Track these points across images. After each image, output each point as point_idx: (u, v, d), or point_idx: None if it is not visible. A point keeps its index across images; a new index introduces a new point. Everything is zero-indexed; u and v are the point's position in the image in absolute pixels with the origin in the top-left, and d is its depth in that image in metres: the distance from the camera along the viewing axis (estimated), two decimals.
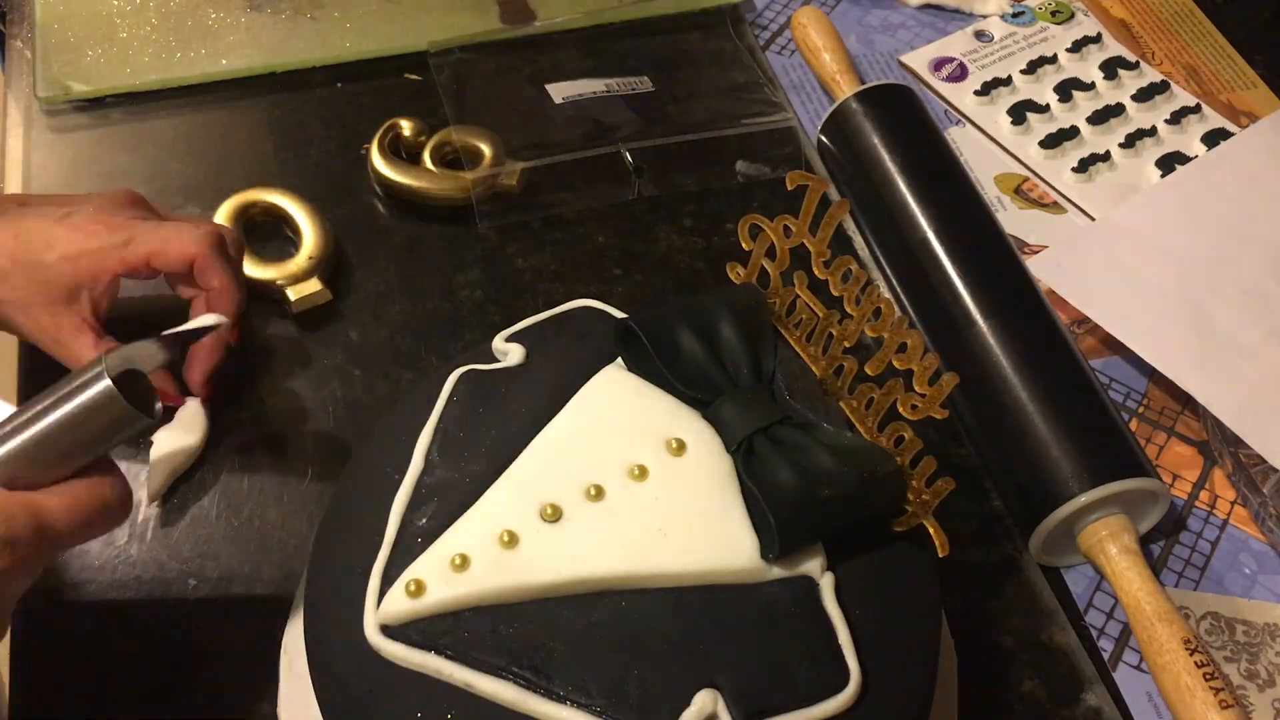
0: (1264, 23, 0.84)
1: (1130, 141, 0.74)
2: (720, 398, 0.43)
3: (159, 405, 0.41)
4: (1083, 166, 0.73)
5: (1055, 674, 0.53)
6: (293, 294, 0.61)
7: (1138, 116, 0.77)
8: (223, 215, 0.63)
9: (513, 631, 0.38)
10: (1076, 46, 0.80)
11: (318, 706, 0.40)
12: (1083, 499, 0.54)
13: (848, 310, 0.44)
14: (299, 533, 0.54)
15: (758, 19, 0.82)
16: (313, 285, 0.62)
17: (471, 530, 0.40)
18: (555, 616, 0.39)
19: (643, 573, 0.39)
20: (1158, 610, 0.52)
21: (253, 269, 0.61)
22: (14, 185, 0.67)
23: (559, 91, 0.73)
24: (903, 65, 0.80)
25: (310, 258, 0.62)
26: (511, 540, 0.40)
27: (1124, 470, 0.54)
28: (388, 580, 0.39)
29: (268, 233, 0.65)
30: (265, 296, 0.61)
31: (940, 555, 0.41)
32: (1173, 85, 0.78)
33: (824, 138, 0.72)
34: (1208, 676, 0.50)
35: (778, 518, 0.39)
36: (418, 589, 0.38)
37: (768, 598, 0.40)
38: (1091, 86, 0.78)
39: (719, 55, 0.78)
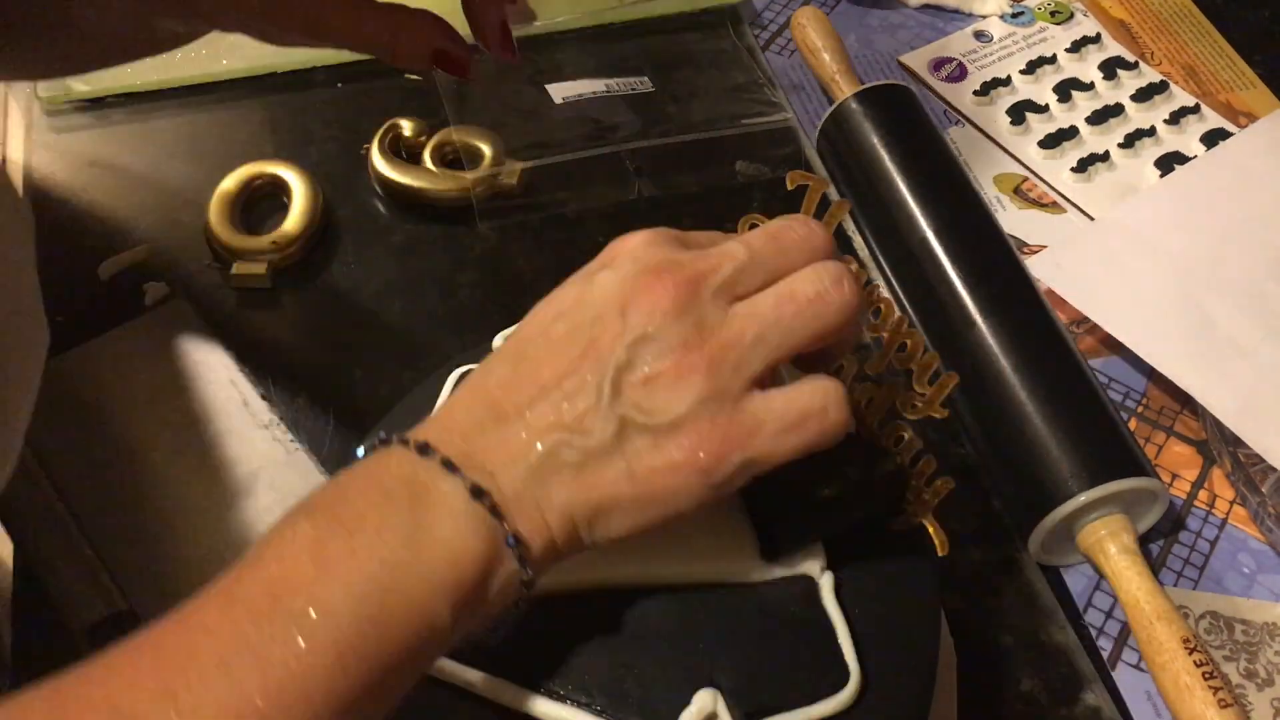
0: (1263, 22, 0.85)
1: (1129, 141, 0.75)
2: None
3: None
4: (1082, 166, 0.73)
5: (1054, 673, 0.53)
6: (234, 269, 0.62)
7: (1137, 116, 0.77)
8: (232, 180, 0.66)
9: (512, 631, 0.38)
10: (1076, 47, 0.80)
11: None
12: (1082, 498, 0.54)
13: None
14: None
15: (757, 19, 0.82)
16: (257, 268, 0.62)
17: None
18: (555, 616, 0.39)
19: (643, 573, 0.39)
20: (1157, 609, 0.52)
21: (236, 240, 0.63)
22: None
23: (559, 91, 0.73)
24: (902, 65, 0.80)
25: (274, 242, 0.63)
26: None
27: (1123, 470, 0.54)
28: None
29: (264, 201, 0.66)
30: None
31: (940, 555, 0.42)
32: (1172, 85, 0.78)
33: (823, 138, 0.72)
34: (1206, 676, 0.50)
35: (778, 517, 0.39)
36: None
37: (768, 598, 0.40)
38: (1090, 87, 0.78)
39: (719, 55, 0.78)
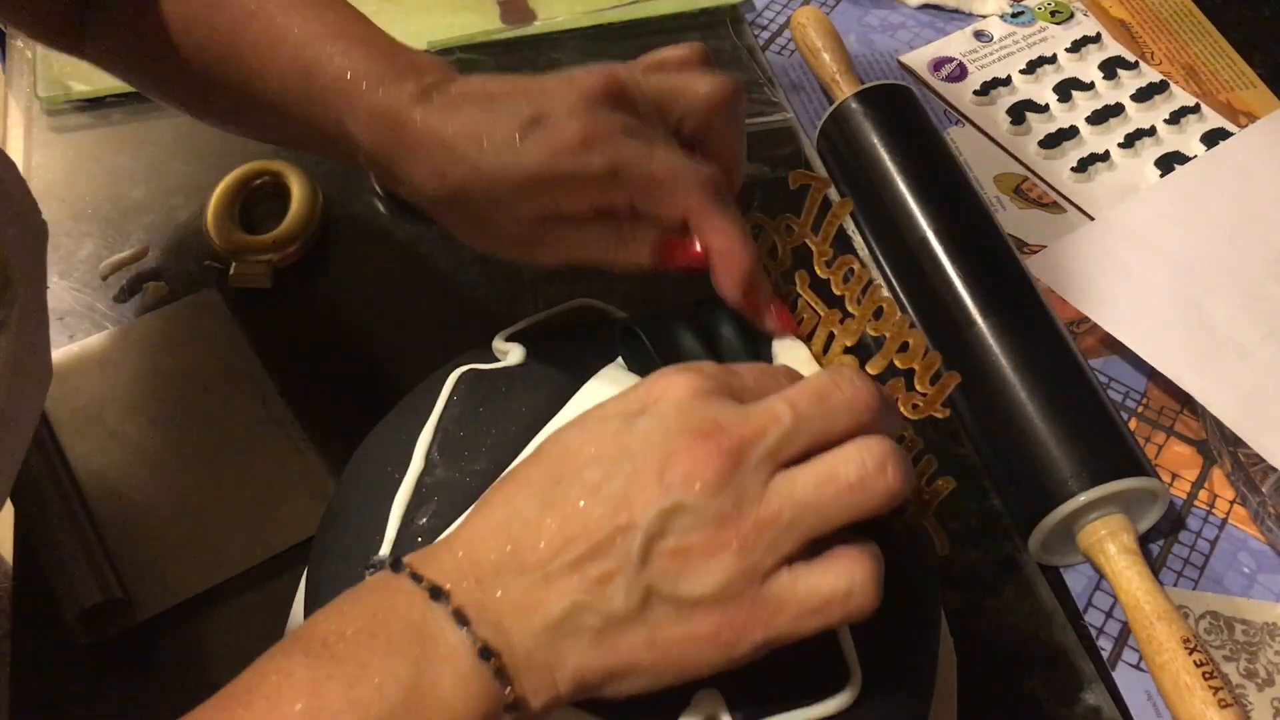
0: (1263, 22, 0.85)
1: (1129, 141, 0.75)
2: None
3: None
4: (1082, 166, 0.73)
5: (1055, 673, 0.53)
6: (234, 269, 0.62)
7: (1137, 116, 0.77)
8: (231, 179, 0.65)
9: None
10: (1076, 46, 0.80)
11: None
12: (1082, 498, 0.54)
13: (849, 310, 0.44)
14: (300, 531, 0.54)
15: (757, 19, 0.82)
16: (256, 268, 0.62)
17: None
18: None
19: None
20: (1157, 609, 0.52)
21: (235, 239, 0.63)
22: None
23: None
24: (902, 65, 0.80)
25: (274, 241, 0.63)
26: None
27: (1123, 470, 0.54)
28: None
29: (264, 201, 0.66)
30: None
31: (940, 554, 0.41)
32: (1172, 85, 0.78)
33: (824, 138, 0.72)
34: (1207, 675, 0.50)
35: None
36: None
37: None
38: (1091, 86, 0.78)
39: (718, 55, 0.78)
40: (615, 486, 0.33)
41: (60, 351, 0.59)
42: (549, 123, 0.42)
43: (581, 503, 0.33)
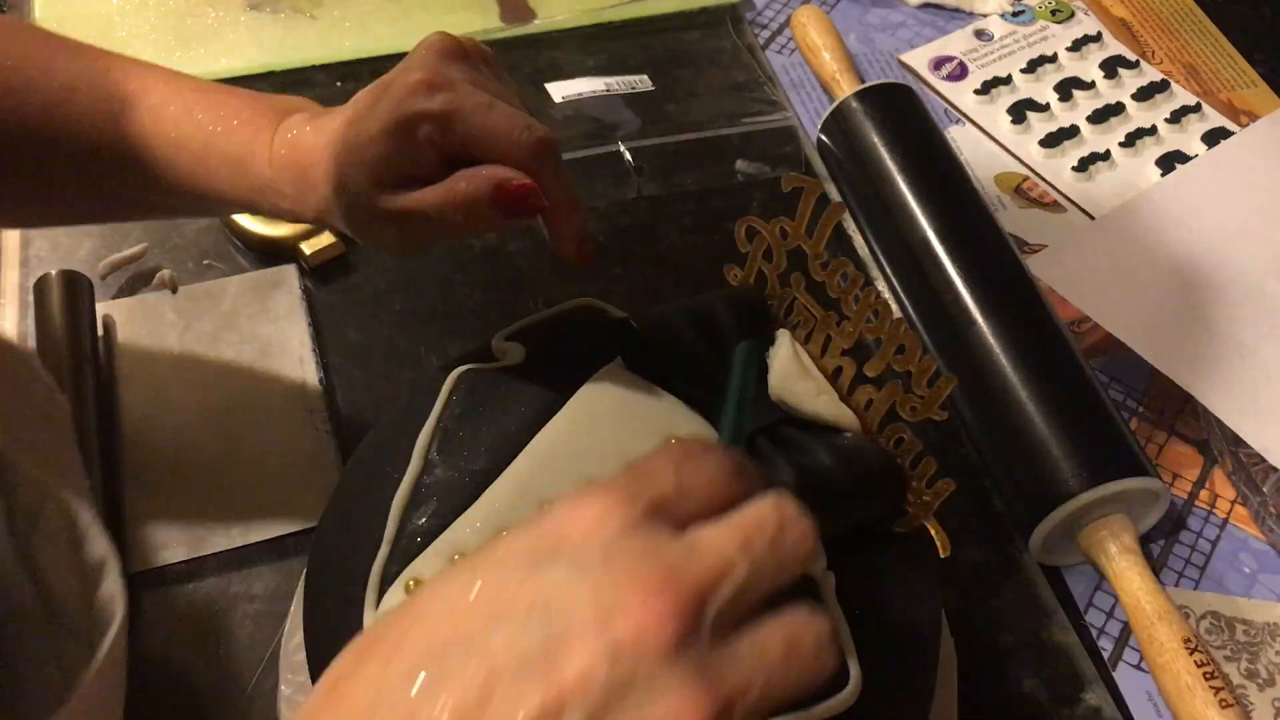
0: (1264, 22, 0.84)
1: (1130, 140, 0.74)
2: (720, 397, 0.43)
3: None
4: (1083, 166, 0.73)
5: (1055, 673, 0.53)
6: (307, 248, 0.63)
7: (1138, 115, 0.77)
8: None
9: None
10: (1076, 45, 0.80)
11: None
12: (1083, 498, 0.53)
13: (845, 312, 0.44)
14: (306, 519, 0.53)
15: (757, 18, 0.82)
16: (325, 239, 0.63)
17: (471, 529, 0.40)
18: None
19: None
20: (1158, 609, 0.52)
21: (261, 228, 0.63)
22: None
23: (559, 90, 0.73)
24: (903, 64, 0.80)
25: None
26: None
27: (1124, 470, 0.54)
28: (387, 579, 0.39)
29: None
30: (277, 256, 0.63)
31: (941, 556, 0.41)
32: (1173, 84, 0.78)
33: (824, 137, 0.72)
34: (1208, 676, 0.50)
35: None
36: (417, 587, 0.38)
37: None
38: (1091, 85, 0.78)
39: (719, 54, 0.78)
40: (531, 653, 0.25)
41: (135, 299, 0.61)
42: (396, 80, 0.44)
43: (482, 676, 0.25)
